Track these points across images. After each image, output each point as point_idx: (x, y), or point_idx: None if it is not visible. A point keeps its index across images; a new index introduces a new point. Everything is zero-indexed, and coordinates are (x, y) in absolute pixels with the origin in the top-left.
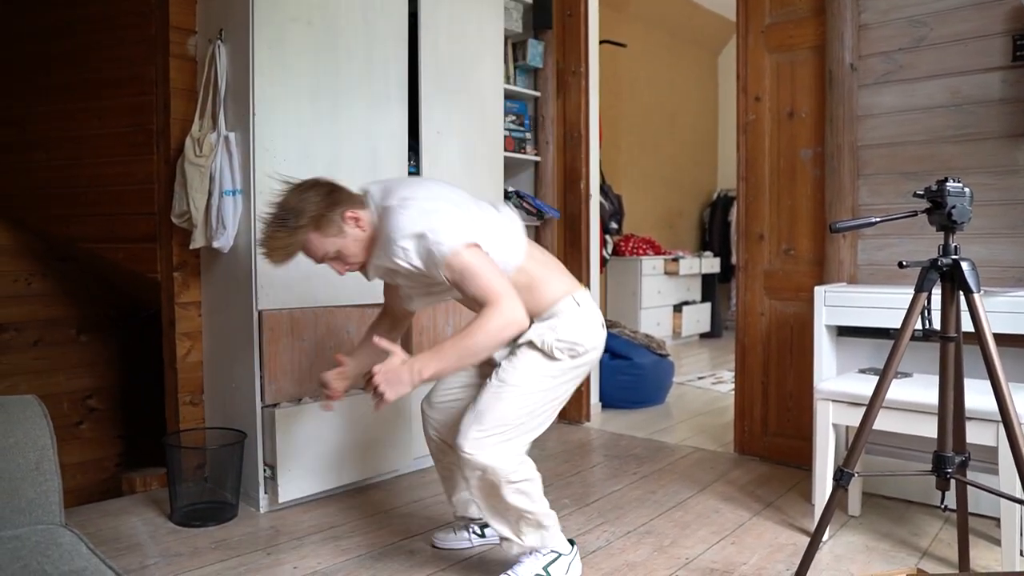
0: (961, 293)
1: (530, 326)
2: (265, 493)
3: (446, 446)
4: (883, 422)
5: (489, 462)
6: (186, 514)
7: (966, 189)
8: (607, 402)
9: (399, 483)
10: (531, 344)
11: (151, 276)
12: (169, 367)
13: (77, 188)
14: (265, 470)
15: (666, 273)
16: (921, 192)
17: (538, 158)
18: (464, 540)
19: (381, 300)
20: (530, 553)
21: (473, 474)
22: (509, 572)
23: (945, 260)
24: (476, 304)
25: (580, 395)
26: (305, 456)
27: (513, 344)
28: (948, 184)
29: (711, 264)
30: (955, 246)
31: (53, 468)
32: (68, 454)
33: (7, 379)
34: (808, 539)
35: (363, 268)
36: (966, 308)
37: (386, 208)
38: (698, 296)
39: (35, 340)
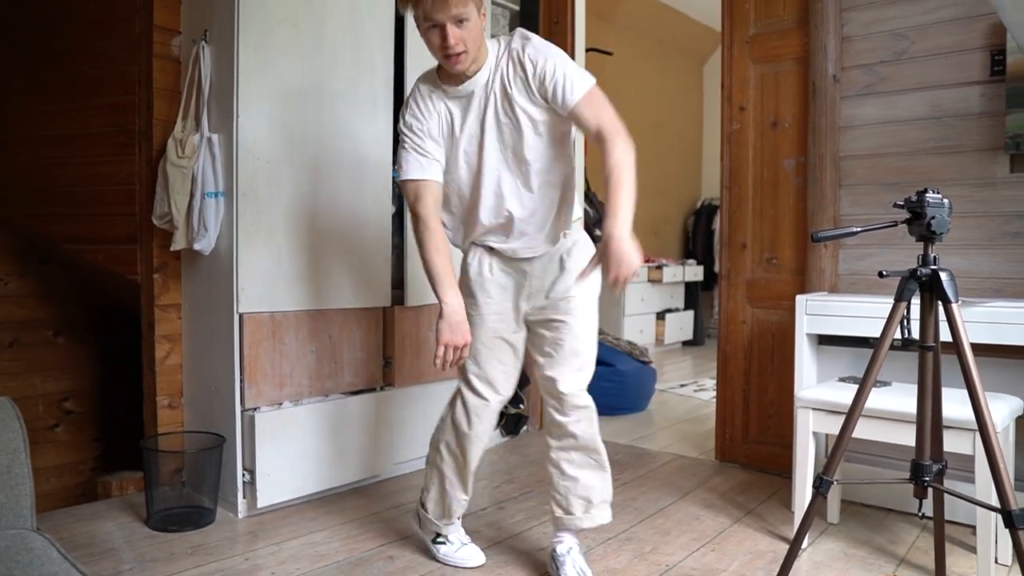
0: (940, 303)
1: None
2: (244, 498)
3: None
4: (862, 430)
5: (591, 403)
6: (163, 519)
7: (945, 200)
8: None
9: (379, 488)
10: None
11: (131, 277)
12: (148, 370)
13: (58, 188)
14: (244, 475)
15: (649, 281)
16: (902, 203)
17: None
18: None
19: (364, 305)
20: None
21: (579, 425)
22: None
23: (924, 270)
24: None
25: None
26: (284, 461)
27: (563, 272)
28: (928, 195)
29: (694, 272)
30: (934, 256)
31: (25, 471)
32: (43, 457)
33: None
34: (787, 546)
35: (462, 70)
36: (944, 318)
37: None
38: (681, 304)
39: (10, 341)
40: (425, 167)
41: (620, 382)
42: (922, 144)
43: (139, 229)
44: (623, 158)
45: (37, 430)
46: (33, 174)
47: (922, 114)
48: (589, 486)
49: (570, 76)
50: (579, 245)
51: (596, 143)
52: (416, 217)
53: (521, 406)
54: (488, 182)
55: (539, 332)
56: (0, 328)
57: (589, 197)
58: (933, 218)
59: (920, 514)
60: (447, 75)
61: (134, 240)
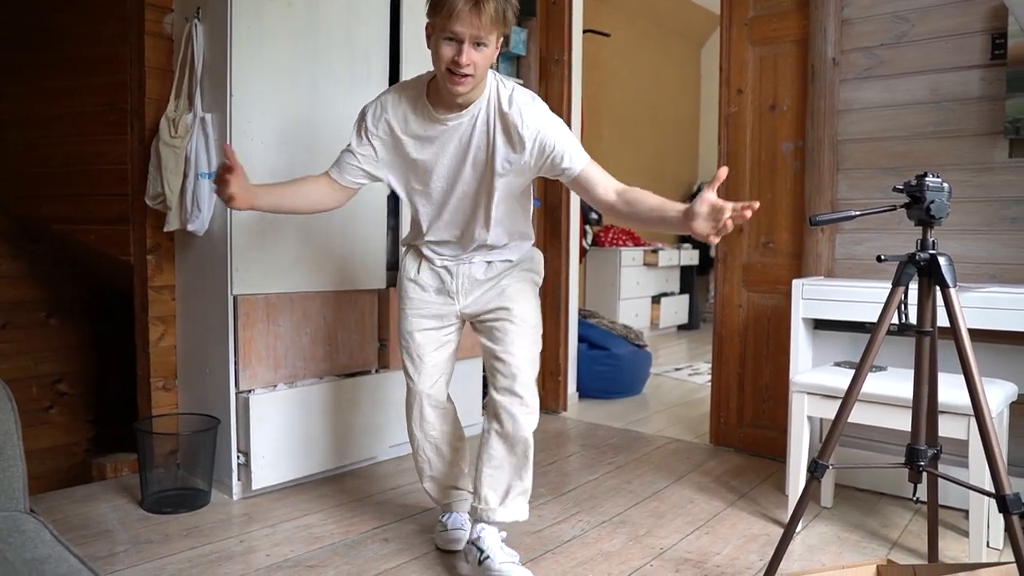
0: (938, 288)
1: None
2: (238, 480)
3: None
4: (858, 415)
5: (536, 402)
6: (157, 501)
7: (945, 184)
8: (584, 392)
9: (375, 471)
10: (531, 274)
11: (124, 259)
12: (142, 351)
13: (50, 168)
14: (238, 456)
15: (645, 264)
16: (901, 187)
17: None
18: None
19: (359, 287)
20: (497, 529)
21: (527, 419)
22: (488, 554)
23: (923, 255)
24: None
25: (557, 384)
26: (279, 443)
27: (504, 275)
28: (927, 179)
29: (690, 256)
30: (933, 241)
31: (17, 453)
32: (37, 439)
33: None
34: (781, 530)
35: (457, 99)
36: (942, 303)
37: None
38: (676, 288)
39: (3, 323)
40: (344, 172)
41: (615, 366)
42: (921, 128)
43: (132, 210)
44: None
45: (31, 412)
46: (25, 154)
47: (921, 98)
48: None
49: (572, 146)
50: (520, 264)
51: (611, 198)
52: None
53: None
54: (451, 207)
55: (484, 323)
56: None
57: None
58: (932, 202)
59: (914, 498)
60: (438, 97)
61: (127, 221)
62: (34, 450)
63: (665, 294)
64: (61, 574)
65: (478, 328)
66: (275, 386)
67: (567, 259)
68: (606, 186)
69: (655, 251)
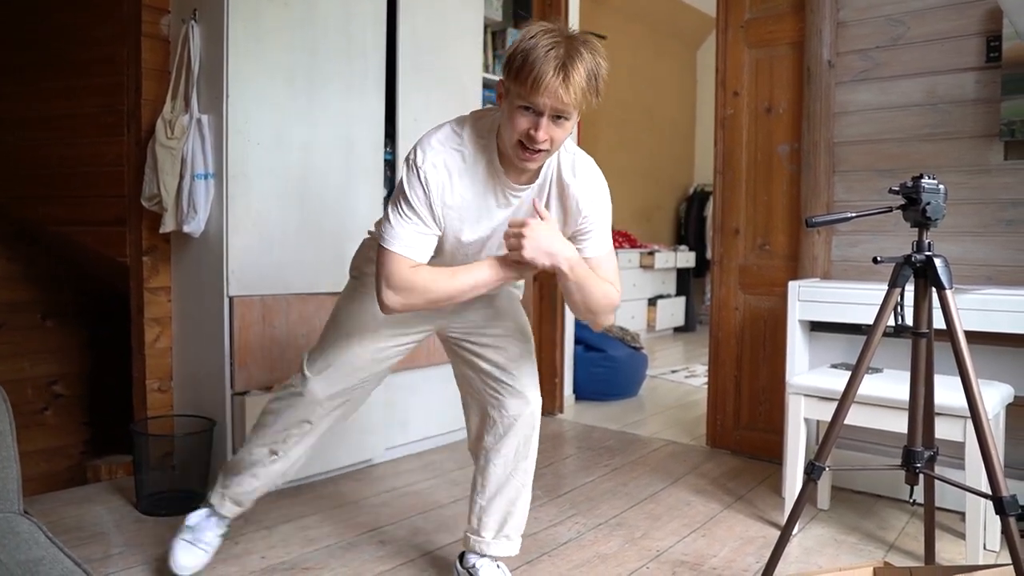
0: (934, 289)
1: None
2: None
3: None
4: (854, 417)
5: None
6: (153, 503)
7: (941, 186)
8: (580, 394)
9: (371, 473)
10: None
11: (120, 260)
12: (137, 353)
13: (46, 169)
14: None
15: (641, 266)
16: (897, 188)
17: None
18: None
19: None
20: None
21: (533, 430)
22: None
23: (919, 256)
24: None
25: (554, 387)
26: None
27: (495, 300)
28: (923, 180)
29: (686, 258)
30: (929, 242)
31: (11, 454)
32: (32, 441)
33: None
34: (778, 532)
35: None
36: (938, 305)
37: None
38: (673, 290)
39: None
40: (423, 251)
41: (611, 368)
42: (917, 130)
43: (128, 211)
44: (606, 287)
45: (26, 414)
46: (21, 156)
47: (917, 100)
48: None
49: (605, 233)
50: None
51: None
52: (411, 280)
53: None
54: (461, 260)
55: (476, 344)
56: None
57: None
58: (928, 204)
59: (911, 500)
60: (508, 162)
61: (123, 222)
62: (29, 452)
63: (661, 296)
64: (55, 575)
65: (467, 347)
66: (271, 388)
67: None
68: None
69: (651, 253)
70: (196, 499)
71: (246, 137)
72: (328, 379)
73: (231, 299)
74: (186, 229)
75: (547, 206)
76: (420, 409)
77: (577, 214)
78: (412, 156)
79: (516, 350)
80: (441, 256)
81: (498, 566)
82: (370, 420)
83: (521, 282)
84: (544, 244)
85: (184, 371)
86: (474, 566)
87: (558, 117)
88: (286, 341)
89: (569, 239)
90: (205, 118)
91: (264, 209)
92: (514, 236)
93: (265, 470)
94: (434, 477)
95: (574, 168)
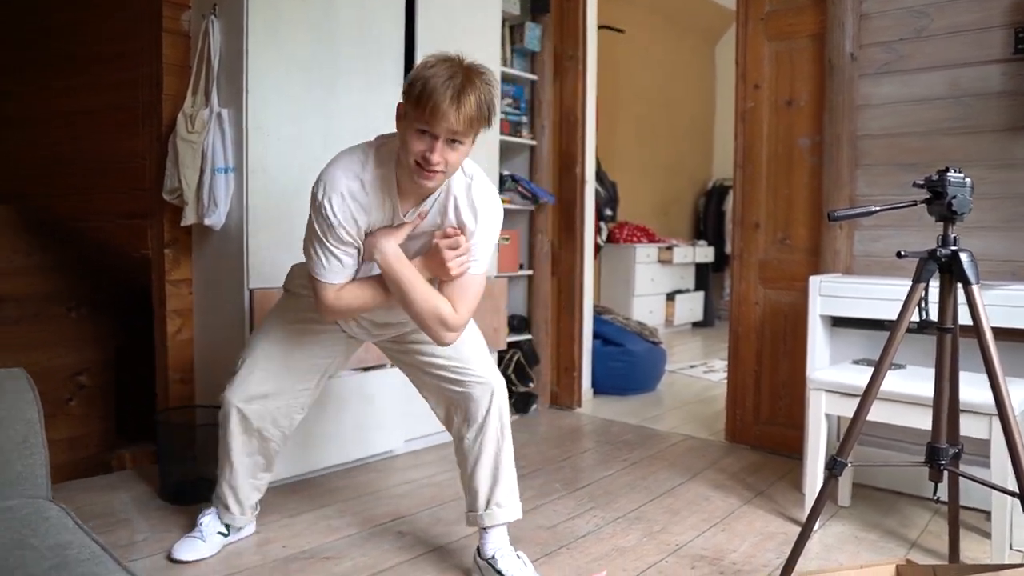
0: (959, 284)
1: None
2: None
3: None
4: (877, 413)
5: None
6: (176, 491)
7: (967, 179)
8: (599, 388)
9: (391, 464)
10: None
11: (142, 253)
12: (159, 345)
13: (67, 163)
14: None
15: (660, 261)
16: (922, 182)
17: (534, 142)
18: None
19: None
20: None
21: (500, 409)
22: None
23: (944, 251)
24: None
25: (572, 381)
26: (295, 436)
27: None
28: (949, 174)
29: (705, 253)
30: (954, 237)
31: (40, 441)
32: (58, 430)
33: None
34: (798, 528)
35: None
36: (963, 300)
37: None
38: (691, 285)
39: (25, 316)
40: (345, 272)
41: (630, 362)
42: (940, 124)
43: (149, 205)
44: (441, 305)
45: (52, 403)
46: (45, 150)
47: (941, 93)
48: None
49: (484, 254)
50: None
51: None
52: (338, 297)
53: (531, 384)
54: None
55: (413, 344)
56: (15, 302)
57: (599, 177)
58: (954, 197)
59: (935, 498)
60: (407, 189)
61: (145, 216)
62: (55, 441)
63: (680, 291)
64: (84, 559)
65: (406, 350)
66: None
67: (582, 256)
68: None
69: (670, 248)
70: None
71: (266, 131)
72: (243, 385)
73: (251, 291)
74: (207, 222)
75: (444, 223)
76: None
77: (469, 232)
78: (316, 190)
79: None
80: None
81: (518, 555)
82: (390, 413)
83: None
84: (372, 243)
85: (205, 362)
86: (493, 556)
87: (454, 141)
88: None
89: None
90: (225, 112)
91: (284, 203)
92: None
93: (230, 481)
94: (453, 469)
95: (469, 191)
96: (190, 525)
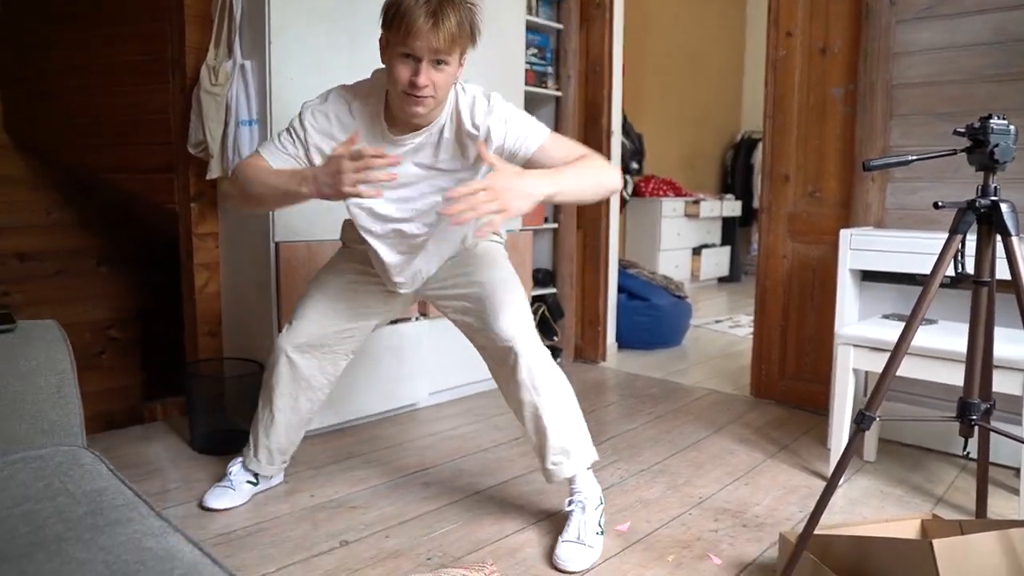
0: (998, 236)
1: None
2: None
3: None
4: (907, 368)
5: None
6: (206, 442)
7: (1011, 127)
8: (623, 342)
9: (416, 416)
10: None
11: (168, 207)
12: (187, 298)
13: (93, 118)
14: None
15: (686, 215)
16: (962, 129)
17: (559, 93)
18: None
19: None
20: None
21: (531, 364)
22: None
23: (983, 201)
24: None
25: (596, 335)
26: None
27: (468, 256)
28: (992, 121)
29: (732, 207)
30: (995, 187)
31: (74, 391)
32: (90, 383)
33: (29, 308)
34: (821, 482)
35: (417, 120)
36: (1002, 254)
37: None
38: (718, 239)
39: (56, 270)
40: (274, 161)
41: (655, 316)
42: (982, 71)
43: (175, 158)
44: (593, 160)
45: (85, 356)
46: (69, 104)
47: (985, 39)
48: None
49: (527, 130)
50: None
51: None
52: (245, 165)
53: (555, 338)
54: (393, 223)
55: (452, 302)
56: (46, 257)
57: (625, 129)
58: (997, 146)
59: (965, 453)
60: (392, 115)
61: (170, 169)
62: (88, 393)
63: (706, 245)
64: (118, 505)
65: (446, 303)
66: None
67: (607, 210)
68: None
69: (696, 202)
70: (246, 438)
71: (289, 83)
72: (295, 330)
73: (277, 245)
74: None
75: (440, 151)
76: (463, 354)
77: (490, 136)
78: (302, 107)
79: (489, 293)
80: (369, 228)
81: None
82: (414, 365)
83: (503, 232)
84: (517, 188)
85: (232, 316)
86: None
87: (438, 62)
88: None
89: (510, 161)
90: (248, 64)
91: None
92: (485, 194)
93: (268, 431)
94: (477, 421)
95: (473, 106)
96: (220, 475)
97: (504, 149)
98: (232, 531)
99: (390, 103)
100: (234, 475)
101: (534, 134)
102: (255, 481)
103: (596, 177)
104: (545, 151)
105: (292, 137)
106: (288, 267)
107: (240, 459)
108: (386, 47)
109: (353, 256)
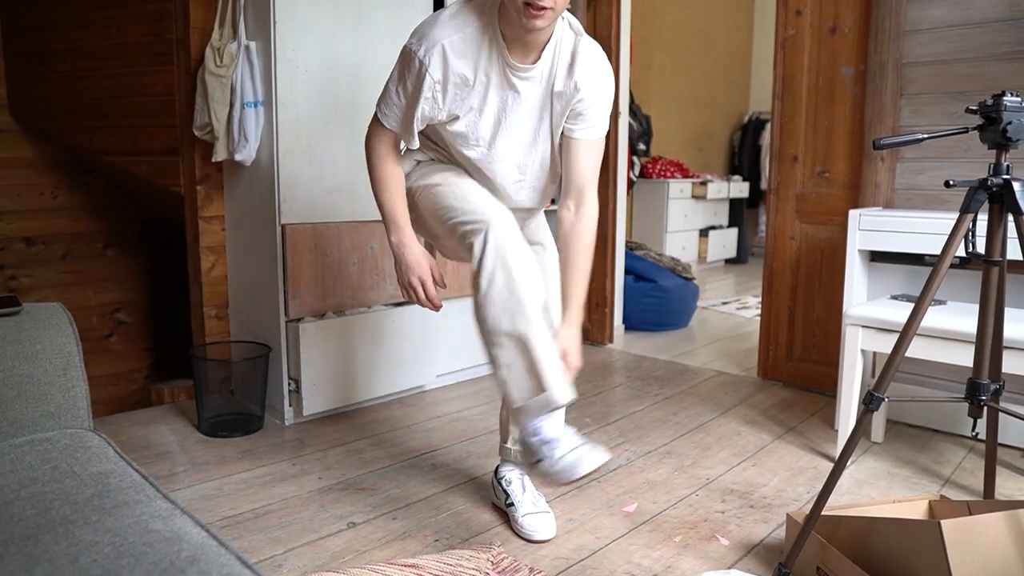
0: (1010, 216)
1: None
2: (290, 406)
3: None
4: (916, 349)
5: None
6: (213, 425)
7: None
8: (630, 324)
9: (423, 399)
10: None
11: (174, 189)
12: (194, 281)
13: (98, 99)
14: (289, 383)
15: (693, 197)
16: (975, 107)
17: None
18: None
19: None
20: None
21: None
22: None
23: (996, 180)
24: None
25: (603, 316)
26: (329, 371)
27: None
28: (1005, 98)
29: (739, 188)
30: (1007, 165)
31: (80, 374)
32: (98, 366)
33: (37, 292)
34: (828, 463)
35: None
36: (1013, 235)
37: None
38: (725, 221)
39: (63, 254)
40: (409, 132)
41: (662, 298)
42: (996, 49)
43: (180, 140)
44: (587, 234)
45: (92, 340)
46: (74, 86)
47: (998, 15)
48: None
49: (602, 117)
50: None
51: (571, 188)
52: (378, 154)
53: None
54: (499, 169)
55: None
56: (52, 241)
57: (633, 110)
58: (1010, 123)
59: (974, 433)
60: (514, 39)
61: (176, 152)
62: (96, 376)
63: (713, 227)
64: (125, 487)
65: None
66: (324, 315)
67: (614, 191)
68: (575, 175)
69: (704, 183)
70: (253, 422)
71: (294, 64)
72: (491, 207)
73: (283, 227)
74: (238, 158)
75: (554, 95)
76: (471, 337)
77: (575, 93)
78: (412, 45)
79: (544, 263)
80: (472, 157)
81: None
82: (421, 348)
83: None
84: (570, 362)
85: (239, 299)
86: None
87: None
88: (338, 269)
89: (565, 116)
90: (253, 45)
91: (314, 137)
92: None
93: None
94: (484, 404)
95: (577, 50)
96: (227, 458)
97: (571, 108)
98: (239, 513)
99: (503, 19)
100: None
101: (598, 127)
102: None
103: (590, 243)
104: (581, 147)
105: (413, 85)
106: (295, 249)
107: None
108: None
109: (428, 163)
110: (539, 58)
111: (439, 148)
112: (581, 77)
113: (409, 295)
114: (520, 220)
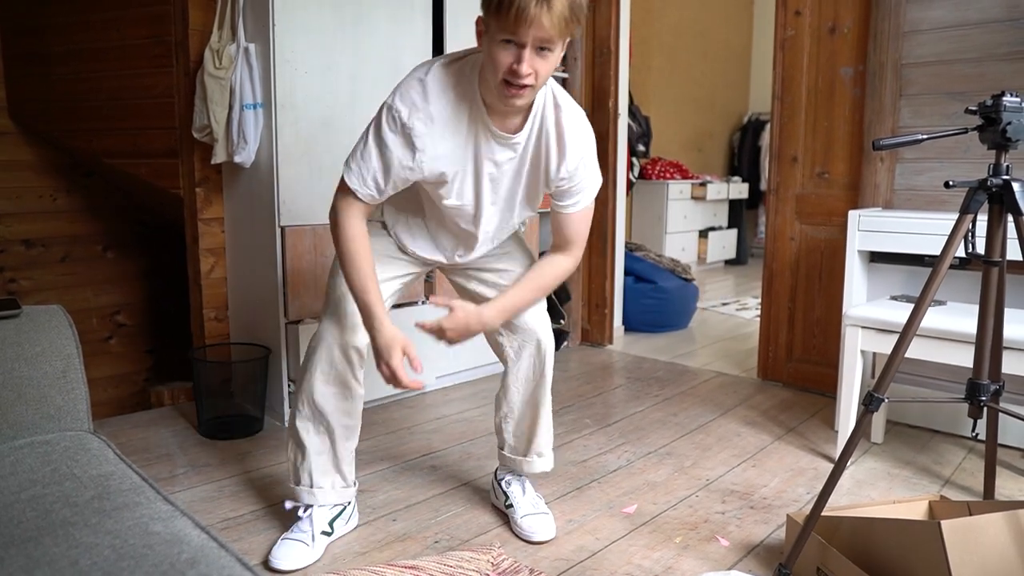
0: (1010, 216)
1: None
2: (289, 408)
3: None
4: (915, 349)
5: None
6: (213, 427)
7: None
8: (630, 325)
9: (422, 400)
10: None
11: (173, 192)
12: (193, 283)
13: (97, 101)
14: (289, 385)
15: (693, 198)
16: (974, 108)
17: (566, 75)
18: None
19: None
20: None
21: (542, 359)
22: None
23: (995, 180)
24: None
25: (603, 318)
26: None
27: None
28: (1005, 99)
29: (739, 190)
30: (1007, 166)
31: (79, 376)
32: (98, 368)
33: (36, 295)
34: (828, 464)
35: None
36: (1013, 235)
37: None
38: (724, 222)
39: (63, 256)
40: (381, 194)
41: (662, 299)
42: (995, 49)
43: (179, 142)
44: (558, 272)
45: (92, 342)
46: (73, 88)
47: (997, 16)
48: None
49: (591, 189)
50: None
51: (557, 242)
52: (348, 230)
53: (562, 322)
54: (473, 221)
55: (484, 272)
56: (52, 243)
57: (632, 112)
58: (1009, 123)
59: (974, 434)
60: (494, 108)
61: (175, 154)
62: (96, 379)
63: (713, 228)
64: (125, 490)
65: (473, 276)
66: None
67: (614, 192)
68: (561, 236)
69: (703, 184)
70: (253, 423)
71: (293, 66)
72: (335, 315)
73: (282, 229)
74: (237, 160)
75: (541, 154)
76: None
77: (564, 168)
78: (390, 100)
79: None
80: (440, 218)
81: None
82: (421, 349)
83: (525, 219)
84: (474, 329)
85: (239, 300)
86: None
87: (542, 49)
88: None
89: (548, 185)
90: (252, 47)
91: (313, 138)
92: (436, 332)
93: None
94: (483, 405)
95: (559, 122)
96: (227, 459)
97: (552, 183)
98: (240, 515)
99: (483, 86)
100: (302, 524)
101: (588, 195)
102: (330, 530)
103: (544, 291)
104: (573, 218)
105: (393, 149)
106: (294, 251)
107: (300, 504)
108: (485, 32)
109: (384, 237)
110: (521, 127)
111: (408, 199)
112: (572, 161)
113: (385, 381)
114: (484, 261)
